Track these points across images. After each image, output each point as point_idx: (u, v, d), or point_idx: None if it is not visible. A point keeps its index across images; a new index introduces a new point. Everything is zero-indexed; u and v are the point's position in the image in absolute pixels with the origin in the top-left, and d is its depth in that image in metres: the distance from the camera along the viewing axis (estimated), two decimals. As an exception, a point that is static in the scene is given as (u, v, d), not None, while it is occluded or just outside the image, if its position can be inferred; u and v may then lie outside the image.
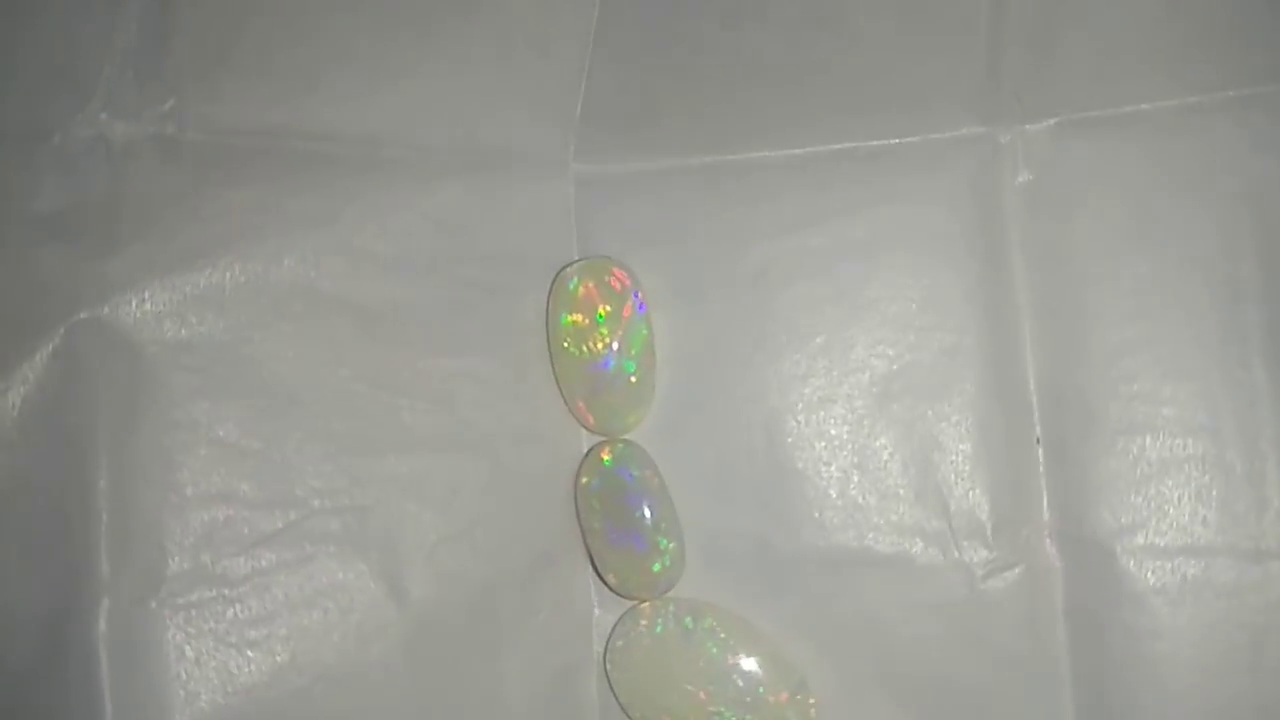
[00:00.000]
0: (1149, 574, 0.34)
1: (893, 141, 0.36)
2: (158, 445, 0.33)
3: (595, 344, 0.37)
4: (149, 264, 0.33)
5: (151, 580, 0.32)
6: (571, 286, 0.37)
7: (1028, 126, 0.36)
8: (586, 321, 0.37)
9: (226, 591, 0.33)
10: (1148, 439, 0.34)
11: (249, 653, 0.32)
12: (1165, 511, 0.34)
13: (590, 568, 0.37)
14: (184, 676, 0.32)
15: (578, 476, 0.37)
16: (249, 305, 0.34)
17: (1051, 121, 0.36)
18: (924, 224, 0.36)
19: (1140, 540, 0.34)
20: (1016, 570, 0.35)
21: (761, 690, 0.35)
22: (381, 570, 0.34)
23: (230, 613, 0.32)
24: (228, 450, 0.33)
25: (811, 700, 0.35)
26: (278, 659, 0.33)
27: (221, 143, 0.34)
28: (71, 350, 0.32)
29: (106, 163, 0.33)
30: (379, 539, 0.34)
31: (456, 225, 0.37)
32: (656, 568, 0.36)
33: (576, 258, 0.38)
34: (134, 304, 0.33)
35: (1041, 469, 0.35)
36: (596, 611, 0.37)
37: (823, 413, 0.36)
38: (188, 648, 0.32)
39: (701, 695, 0.35)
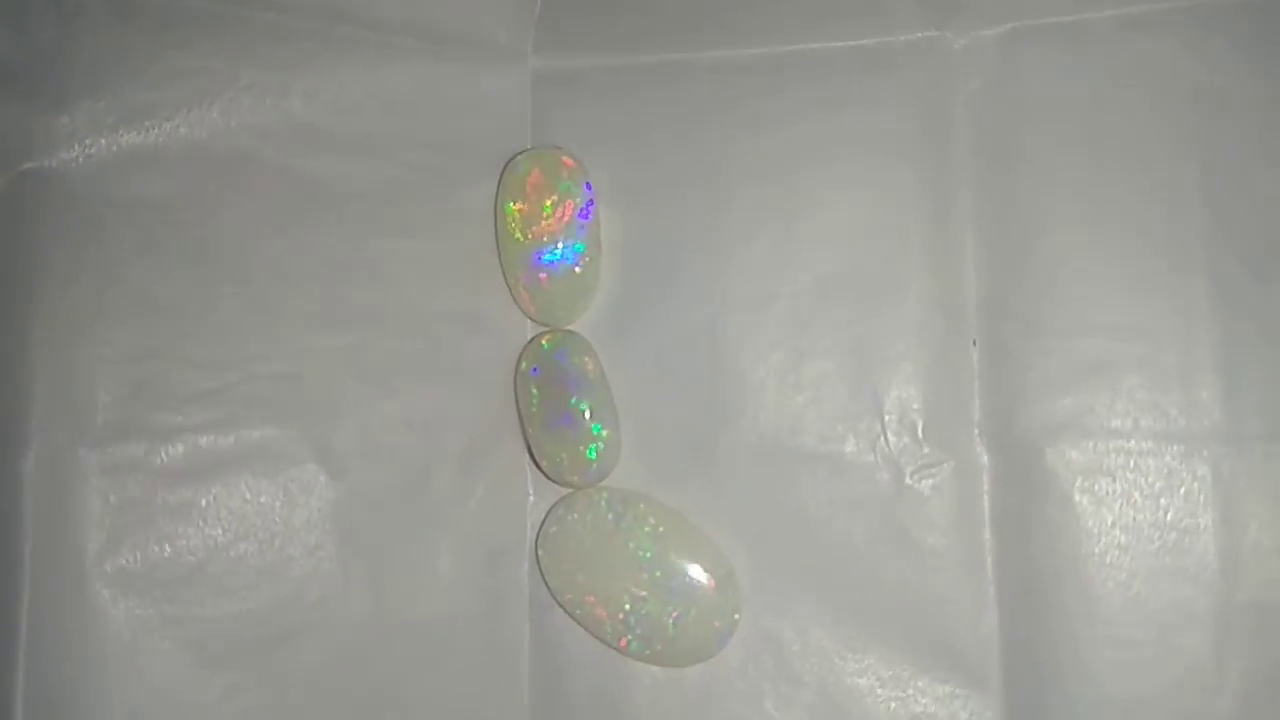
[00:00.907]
0: (1077, 475, 0.34)
1: (848, 44, 0.37)
2: (96, 299, 0.33)
3: (541, 233, 0.37)
4: (97, 121, 0.33)
5: (80, 427, 0.32)
6: (520, 173, 0.37)
7: (982, 32, 0.36)
8: (533, 210, 0.37)
9: (155, 444, 0.33)
10: (1084, 342, 0.34)
11: (173, 504, 0.33)
12: (1096, 413, 0.34)
13: (527, 454, 0.37)
14: (107, 523, 0.32)
15: (518, 362, 0.37)
16: (194, 170, 0.34)
17: (1005, 28, 0.36)
18: (875, 128, 0.36)
19: (1070, 441, 0.34)
20: (945, 468, 0.35)
21: (688, 579, 0.35)
22: (314, 438, 0.34)
23: (157, 463, 0.33)
24: (165, 310, 0.34)
25: (738, 590, 0.35)
26: (202, 514, 0.33)
27: (175, 5, 0.34)
28: (17, 197, 0.33)
29: (57, 17, 0.34)
30: (313, 408, 0.35)
31: (409, 107, 0.37)
32: (591, 454, 0.36)
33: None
34: (80, 159, 0.33)
35: (976, 370, 0.35)
36: (531, 497, 0.37)
37: (764, 311, 0.36)
38: (112, 495, 0.32)
39: (629, 582, 0.35)
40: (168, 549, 0.32)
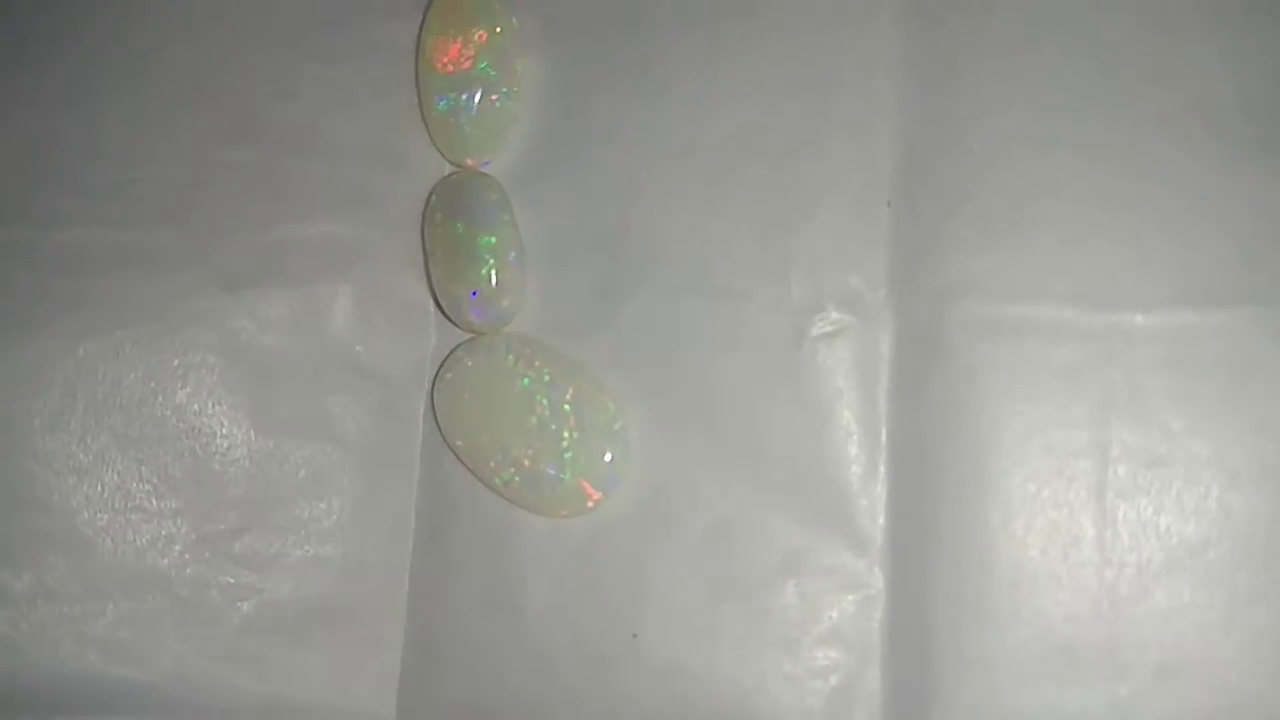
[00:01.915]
0: (979, 339, 0.33)
1: None
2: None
3: (460, 65, 0.36)
4: None
5: None
6: (445, 3, 0.36)
7: None
8: (455, 41, 0.36)
9: (45, 231, 0.33)
10: (999, 201, 0.33)
11: (57, 292, 0.32)
12: (1009, 275, 0.33)
13: (430, 295, 0.37)
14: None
15: (427, 199, 0.37)
16: None
17: None
18: None
19: (978, 303, 0.33)
20: (847, 324, 0.34)
21: (576, 429, 0.34)
22: (209, 248, 0.34)
23: (46, 249, 0.32)
24: (69, 97, 0.34)
25: (627, 444, 0.34)
26: (85, 304, 0.33)
27: None
28: None
29: None
30: (211, 218, 0.34)
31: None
32: (492, 297, 0.35)
33: (455, -19, 0.37)
34: None
35: (888, 231, 0.34)
36: (431, 337, 0.36)
37: (681, 162, 0.35)
38: None
39: (521, 431, 0.34)
40: (46, 336, 0.32)
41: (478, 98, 0.36)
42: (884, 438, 0.33)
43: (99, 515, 0.33)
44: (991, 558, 0.32)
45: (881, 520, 0.33)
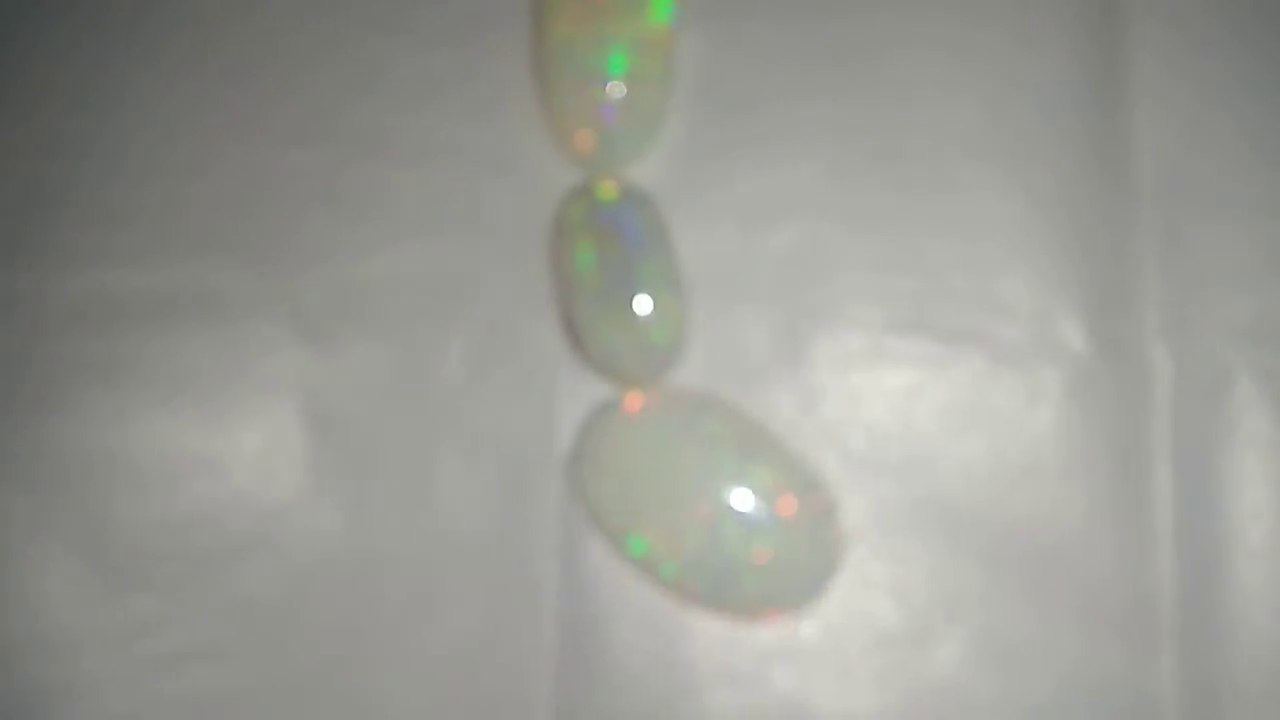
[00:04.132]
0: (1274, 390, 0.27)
1: None
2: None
3: (600, 55, 0.28)
4: None
5: None
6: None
7: None
8: (591, 24, 0.28)
9: (55, 276, 0.24)
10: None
11: (73, 357, 0.24)
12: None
13: (563, 336, 0.29)
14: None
15: (559, 217, 0.29)
16: None
17: None
18: None
19: (1268, 349, 0.27)
20: (1109, 383, 0.28)
21: (772, 509, 0.27)
22: (278, 285, 0.26)
23: (57, 301, 0.23)
24: (83, 100, 0.24)
25: (836, 525, 0.27)
26: (116, 373, 0.24)
27: None
28: None
29: None
30: (278, 245, 0.26)
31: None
32: (656, 338, 0.27)
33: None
34: None
35: (1151, 256, 0.28)
36: (567, 392, 0.28)
37: (880, 173, 0.28)
38: None
39: (694, 509, 0.27)
40: (67, 419, 0.23)
41: (619, 92, 0.28)
42: (1163, 517, 0.27)
43: (134, 664, 0.24)
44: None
45: (1166, 616, 0.27)
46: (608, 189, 0.28)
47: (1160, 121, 0.28)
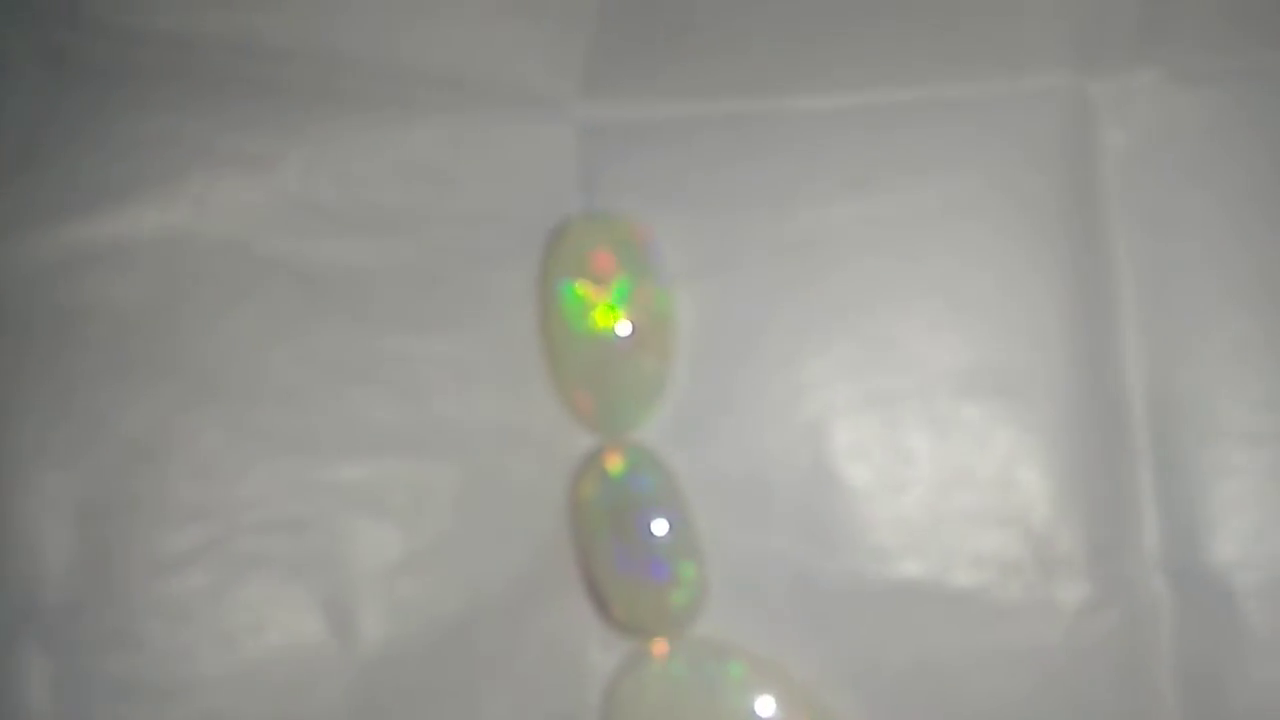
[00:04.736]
0: (1277, 614, 0.28)
1: (969, 91, 0.30)
2: (43, 440, 0.26)
3: (604, 321, 0.30)
4: (33, 207, 0.26)
5: (23, 607, 0.25)
6: (579, 248, 0.30)
7: (1130, 76, 0.30)
8: (595, 292, 0.30)
9: (124, 626, 0.26)
10: (1278, 450, 0.28)
11: (143, 693, 0.26)
12: (1305, 542, 0.28)
13: (587, 598, 0.30)
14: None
15: (575, 486, 0.30)
16: (163, 266, 0.27)
17: (1158, 71, 0.30)
18: (1004, 192, 0.30)
19: (1269, 575, 0.28)
20: (1115, 610, 0.28)
21: (802, 754, 0.29)
22: (325, 600, 0.27)
23: (128, 655, 0.26)
24: (133, 449, 0.26)
25: (861, 765, 0.29)
26: (183, 706, 0.26)
27: (130, 55, 0.27)
28: None
29: None
30: (322, 561, 0.27)
31: (430, 175, 0.30)
32: (675, 599, 0.29)
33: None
34: (16, 256, 0.26)
35: (1147, 487, 0.29)
36: (594, 652, 0.30)
37: (878, 415, 0.29)
38: (64, 697, 0.25)
39: (725, 756, 0.29)
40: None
41: (625, 357, 0.30)
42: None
43: None
44: None
45: None
46: (616, 462, 0.30)
47: (1151, 345, 0.29)
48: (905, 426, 0.29)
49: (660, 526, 0.29)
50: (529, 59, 0.31)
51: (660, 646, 0.30)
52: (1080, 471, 0.29)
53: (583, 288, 0.30)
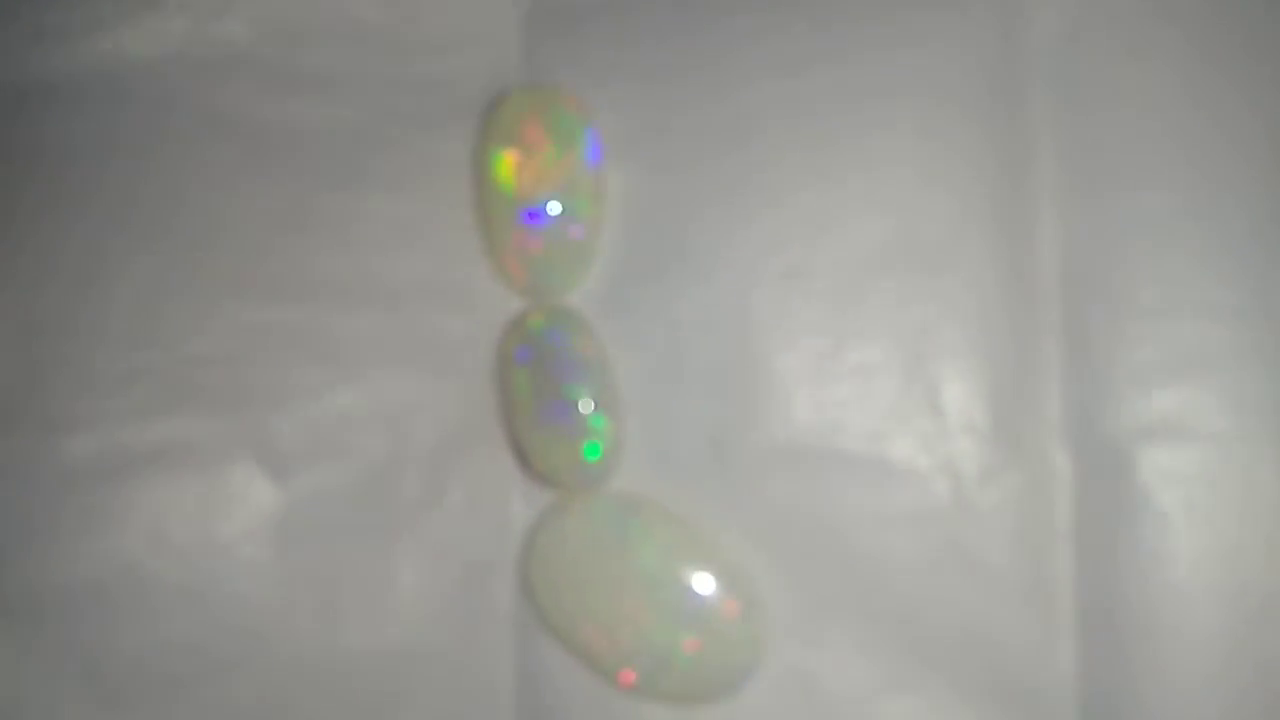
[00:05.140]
0: (1173, 486, 0.28)
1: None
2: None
3: (535, 188, 0.31)
4: None
5: None
6: (513, 115, 0.31)
7: None
8: (527, 160, 0.31)
9: (52, 437, 0.27)
10: (1185, 326, 0.29)
11: (73, 509, 0.27)
12: (1201, 413, 0.28)
13: (511, 452, 0.31)
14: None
15: (502, 343, 0.31)
16: (108, 110, 0.28)
17: None
18: (934, 73, 0.30)
19: (1165, 445, 0.29)
20: (1016, 476, 0.29)
21: (705, 602, 0.29)
22: (252, 432, 0.29)
23: (55, 460, 0.27)
24: (70, 276, 0.28)
25: (764, 616, 0.30)
26: (109, 522, 0.27)
27: None
28: None
29: None
30: (251, 395, 0.29)
31: (376, 41, 0.31)
32: (590, 453, 0.30)
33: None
34: None
35: (1054, 359, 0.29)
36: (515, 504, 0.31)
37: (799, 287, 0.30)
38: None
39: (634, 606, 0.30)
40: (65, 564, 0.27)
41: (557, 221, 0.31)
42: (1068, 601, 0.29)
43: None
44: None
45: (1068, 702, 0.28)
46: (537, 317, 0.31)
47: (1068, 223, 0.30)
48: (823, 298, 0.30)
49: (577, 381, 0.30)
50: (476, -69, 0.32)
51: (576, 502, 0.31)
52: (990, 342, 0.30)
53: (515, 156, 0.31)
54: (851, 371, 0.30)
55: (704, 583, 0.29)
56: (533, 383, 0.30)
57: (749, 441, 0.30)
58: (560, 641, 0.30)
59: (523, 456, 0.31)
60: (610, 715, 0.30)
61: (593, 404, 0.30)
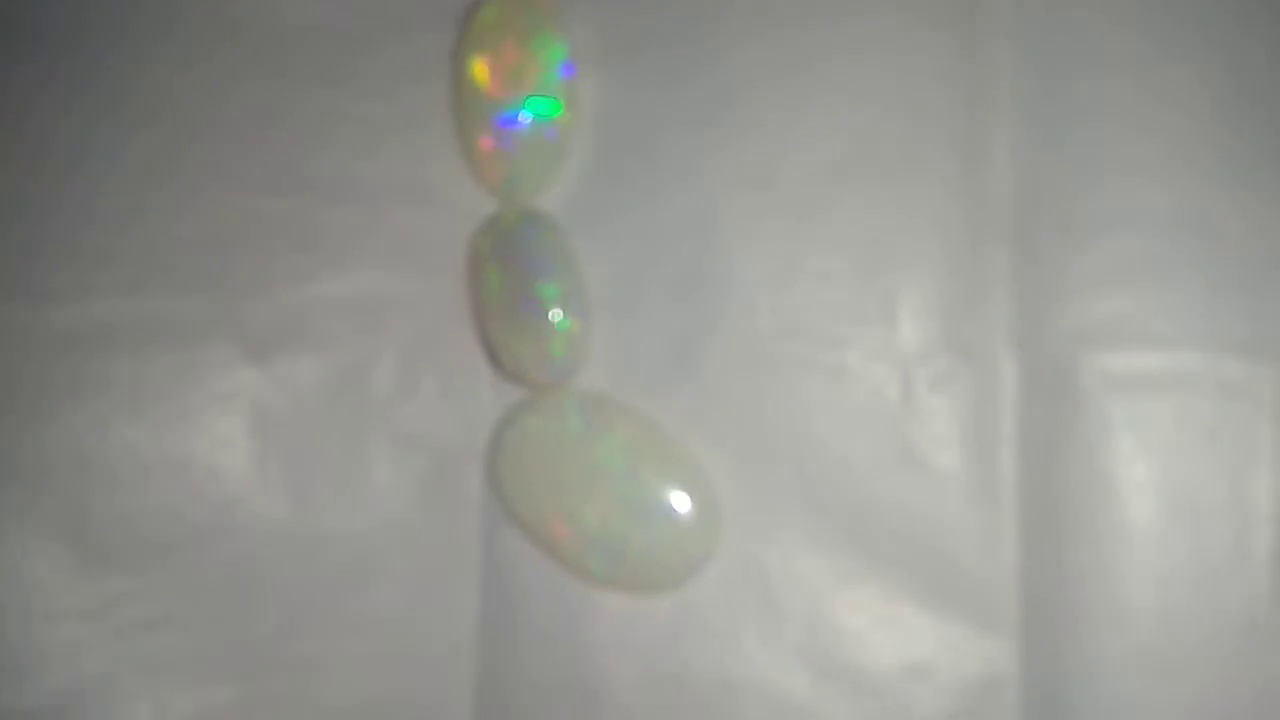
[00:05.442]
0: (1115, 389, 0.29)
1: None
2: None
3: (509, 90, 0.32)
4: None
5: None
6: (487, 22, 0.32)
7: None
8: (500, 64, 0.32)
9: (38, 306, 0.28)
10: (1129, 238, 0.30)
11: (55, 375, 0.28)
12: (1141, 318, 0.29)
13: (481, 348, 0.32)
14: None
15: (472, 243, 0.32)
16: (118, 19, 0.29)
17: None
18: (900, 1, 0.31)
19: (1109, 349, 0.30)
20: (965, 380, 0.30)
21: (662, 497, 0.31)
22: (230, 312, 0.30)
23: (40, 328, 0.28)
24: (58, 152, 0.29)
25: (718, 511, 0.31)
26: (89, 388, 0.29)
27: None
28: None
29: None
30: (231, 278, 0.30)
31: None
32: (556, 350, 0.31)
33: (495, -6, 0.33)
34: None
35: (1004, 264, 0.30)
36: (486, 396, 0.32)
37: (763, 198, 0.31)
38: None
39: (595, 498, 0.31)
40: (47, 426, 0.28)
41: (529, 124, 0.32)
42: (1011, 498, 0.30)
43: (107, 631, 0.29)
44: (1139, 638, 0.29)
45: (1011, 595, 0.30)
46: (510, 216, 0.32)
47: (1021, 138, 0.31)
48: (786, 208, 0.31)
49: (545, 280, 0.31)
50: None
51: (543, 397, 0.32)
52: (944, 254, 0.31)
53: (490, 60, 0.32)
54: (811, 278, 0.31)
55: (661, 478, 0.31)
56: (502, 281, 0.31)
57: (712, 343, 0.31)
58: (524, 530, 0.31)
59: (493, 352, 0.32)
60: (569, 602, 0.31)
61: (560, 303, 0.31)
